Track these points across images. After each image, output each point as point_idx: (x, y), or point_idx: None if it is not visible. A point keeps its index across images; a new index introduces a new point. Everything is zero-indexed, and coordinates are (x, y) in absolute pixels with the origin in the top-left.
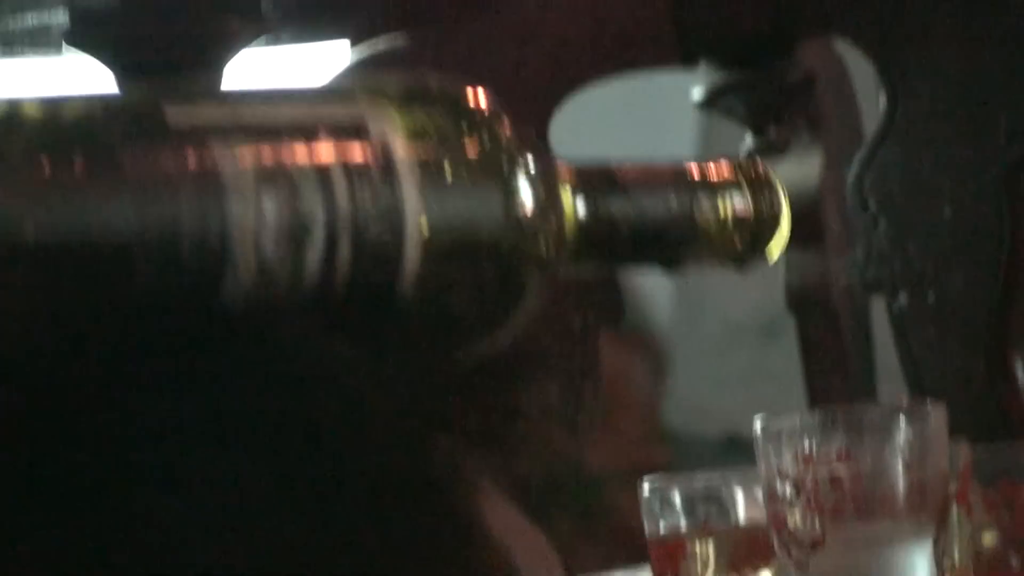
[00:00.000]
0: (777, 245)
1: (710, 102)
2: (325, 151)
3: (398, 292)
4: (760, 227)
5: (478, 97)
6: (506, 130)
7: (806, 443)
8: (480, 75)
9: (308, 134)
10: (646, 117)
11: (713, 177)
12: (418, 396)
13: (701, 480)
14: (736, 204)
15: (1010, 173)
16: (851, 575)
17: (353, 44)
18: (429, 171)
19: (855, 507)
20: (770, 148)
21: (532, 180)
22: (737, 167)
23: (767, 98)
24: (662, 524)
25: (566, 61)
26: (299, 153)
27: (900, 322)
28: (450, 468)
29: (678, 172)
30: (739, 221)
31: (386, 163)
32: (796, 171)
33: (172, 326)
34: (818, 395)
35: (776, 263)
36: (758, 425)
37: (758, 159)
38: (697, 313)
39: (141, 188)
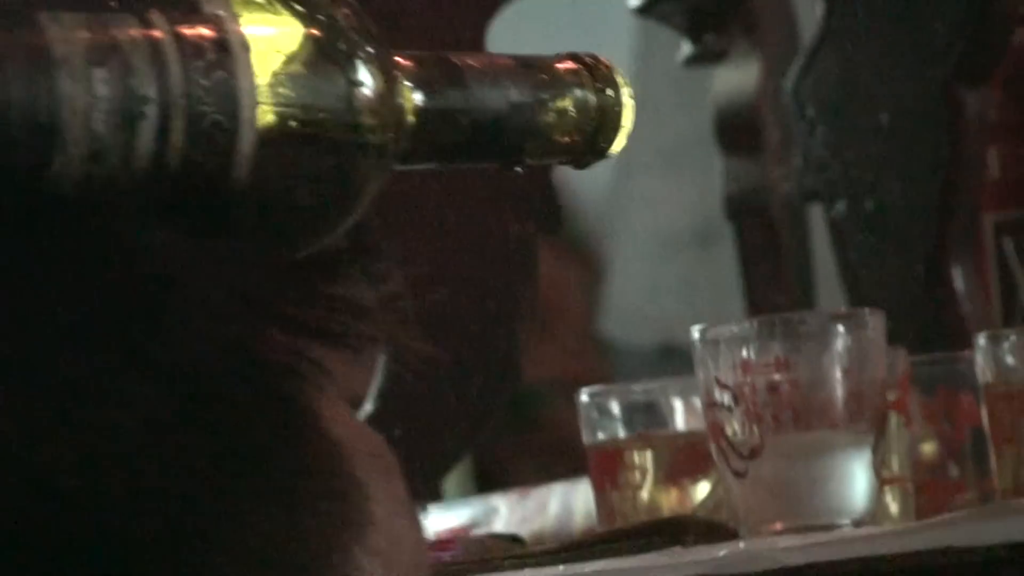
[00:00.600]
0: (618, 142)
1: (647, 8)
2: (158, 26)
3: (232, 176)
4: (602, 123)
5: None
6: (347, 18)
7: (744, 351)
8: None
9: (141, 8)
10: (582, 24)
11: (555, 72)
12: (253, 286)
13: (639, 389)
14: (577, 99)
15: (948, 80)
16: (789, 483)
17: None
18: (265, 53)
19: (793, 415)
20: (707, 55)
21: (371, 69)
22: (580, 62)
23: (704, 5)
24: (600, 434)
25: None
26: (131, 28)
27: (838, 230)
28: (284, 363)
29: (520, 66)
30: (580, 116)
31: (221, 42)
32: (734, 78)
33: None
34: (756, 303)
35: (713, 170)
36: (696, 334)
37: (601, 56)
38: (631, 220)
39: None
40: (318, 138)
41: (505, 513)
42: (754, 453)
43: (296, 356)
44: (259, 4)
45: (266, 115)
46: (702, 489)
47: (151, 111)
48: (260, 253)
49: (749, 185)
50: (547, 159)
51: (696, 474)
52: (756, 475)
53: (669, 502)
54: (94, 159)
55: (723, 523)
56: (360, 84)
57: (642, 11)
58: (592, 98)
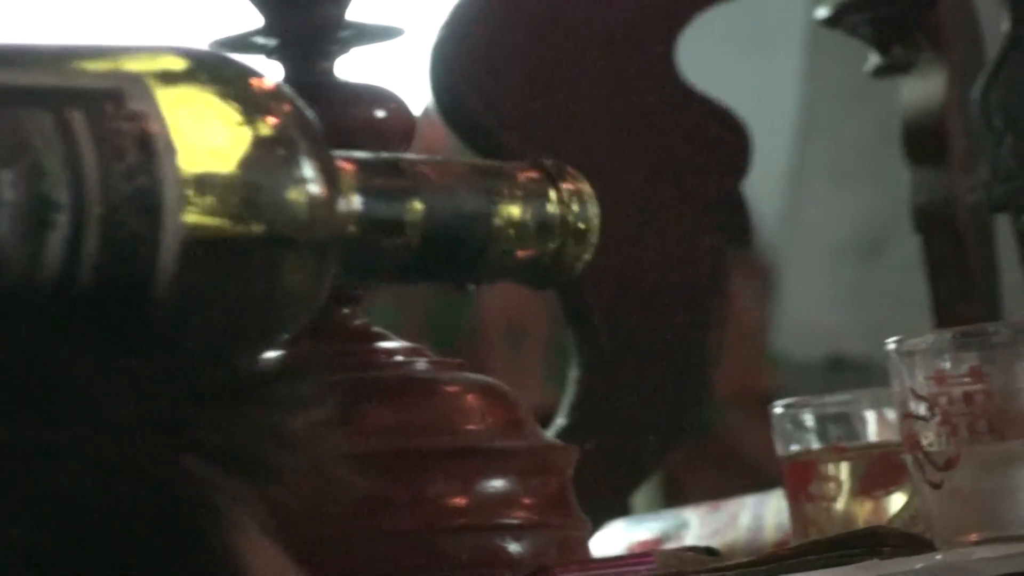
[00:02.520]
0: (582, 260)
1: (835, 20)
2: (75, 124)
3: (151, 289)
4: (564, 239)
5: (255, 76)
6: (287, 115)
7: (940, 362)
8: (604, 3)
9: (56, 102)
10: (756, 36)
11: (516, 180)
12: (167, 410)
13: (833, 401)
14: (538, 211)
15: None
16: (985, 494)
17: None
18: (193, 152)
19: (989, 426)
20: (895, 66)
21: (310, 172)
22: (543, 171)
23: (892, 16)
24: (794, 446)
25: None
26: (45, 125)
27: None
28: (196, 495)
29: (477, 173)
30: (541, 230)
31: (144, 142)
32: (920, 89)
33: None
34: (943, 315)
35: (882, 181)
36: (891, 345)
37: (566, 166)
38: (801, 233)
39: None
40: (247, 246)
41: (696, 526)
42: (950, 464)
43: (211, 487)
44: (190, 97)
45: (191, 222)
46: (896, 500)
47: (63, 219)
48: (177, 373)
49: (936, 196)
50: (505, 277)
51: (890, 485)
52: (952, 486)
53: (864, 514)
54: None
55: (919, 534)
56: (298, 187)
57: (830, 22)
58: (555, 211)
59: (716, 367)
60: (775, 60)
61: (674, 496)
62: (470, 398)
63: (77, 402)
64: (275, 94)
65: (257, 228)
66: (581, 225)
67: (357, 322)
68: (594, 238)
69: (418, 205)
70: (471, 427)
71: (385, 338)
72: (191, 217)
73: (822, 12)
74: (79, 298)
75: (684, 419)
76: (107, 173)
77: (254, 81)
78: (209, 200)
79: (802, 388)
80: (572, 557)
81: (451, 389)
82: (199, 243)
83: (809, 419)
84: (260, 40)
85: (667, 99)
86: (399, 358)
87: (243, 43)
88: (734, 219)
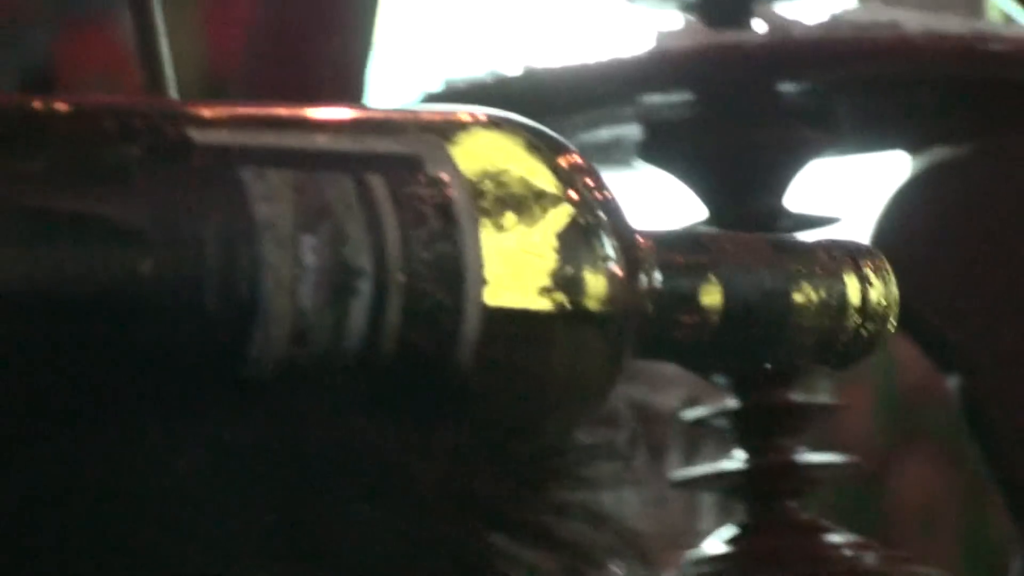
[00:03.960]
0: (881, 339)
1: None
2: (376, 189)
3: (455, 359)
4: (865, 317)
5: (561, 147)
6: (589, 190)
7: None
8: None
9: (357, 168)
10: None
11: (816, 256)
12: (470, 484)
13: None
14: (837, 291)
15: None
16: None
17: (912, 153)
18: (496, 222)
19: None
20: None
21: (611, 248)
22: (844, 249)
23: None
24: None
25: None
26: (345, 190)
27: None
28: (497, 572)
29: (775, 247)
30: (840, 308)
31: (446, 209)
32: None
33: (188, 387)
34: None
35: None
36: None
37: (866, 245)
38: None
39: (156, 219)
40: (547, 320)
41: None
42: None
43: (516, 565)
44: (492, 165)
45: (493, 292)
46: None
47: (365, 286)
48: (480, 446)
49: None
50: (802, 358)
51: None
52: None
53: None
54: (298, 340)
55: None
56: (599, 263)
57: None
58: (855, 289)
59: None
60: None
61: None
62: None
63: (382, 473)
64: (581, 168)
65: (558, 302)
66: (881, 303)
67: (804, 516)
68: (894, 318)
69: (717, 281)
70: None
71: (833, 531)
72: (493, 287)
73: None
74: (382, 368)
75: None
76: (408, 240)
77: (560, 152)
78: (511, 271)
79: None
80: None
81: None
82: (501, 314)
83: None
84: (700, 228)
85: None
86: (848, 552)
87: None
88: None
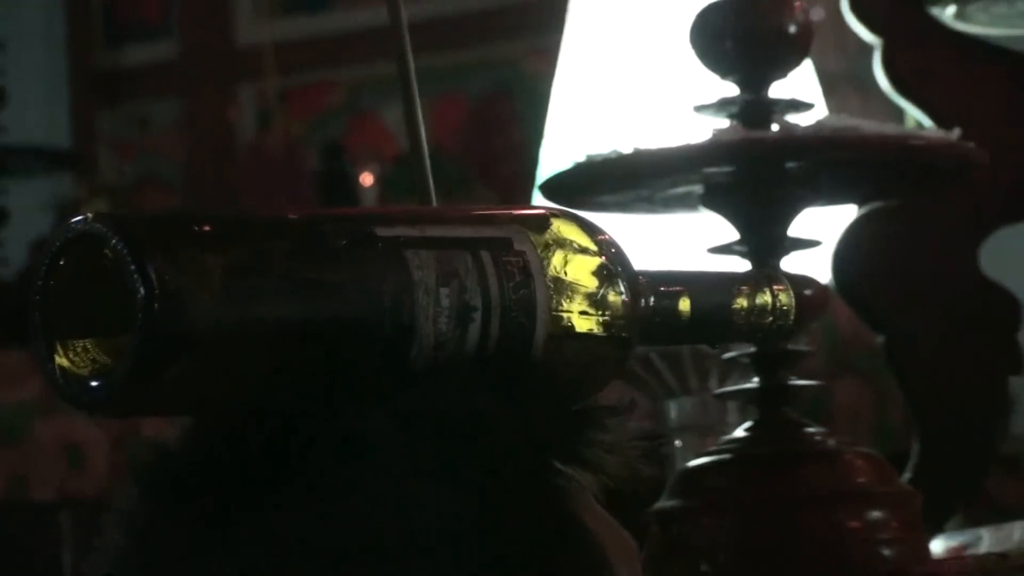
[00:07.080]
0: (788, 329)
1: None
2: (483, 258)
3: (530, 358)
4: (775, 317)
5: (596, 229)
6: (613, 253)
7: None
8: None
9: (472, 246)
10: None
11: (746, 282)
12: (542, 432)
13: None
14: (758, 303)
15: None
16: None
17: (859, 205)
18: (553, 279)
19: None
20: None
21: (626, 287)
22: (765, 276)
23: None
24: None
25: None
26: (466, 260)
27: None
28: (562, 486)
29: (725, 278)
30: (762, 312)
31: (525, 268)
32: None
33: (376, 378)
34: None
35: None
36: None
37: (780, 274)
38: None
39: (355, 281)
40: (587, 335)
41: (988, 541)
42: None
43: (569, 480)
44: (554, 240)
45: (554, 318)
46: None
47: (478, 316)
48: (545, 410)
49: None
50: (743, 340)
51: None
52: None
53: None
54: (438, 349)
55: None
56: (617, 295)
57: None
58: (769, 300)
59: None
60: None
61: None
62: (859, 461)
63: (491, 424)
64: (608, 241)
65: (594, 322)
66: (785, 307)
67: (793, 416)
68: (792, 315)
69: (687, 300)
70: (861, 480)
71: (811, 426)
72: (553, 315)
73: None
74: (487, 363)
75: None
76: (503, 288)
77: (596, 232)
78: (565, 305)
79: None
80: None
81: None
82: (558, 329)
83: None
84: (737, 247)
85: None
86: (819, 437)
87: (726, 249)
88: None
